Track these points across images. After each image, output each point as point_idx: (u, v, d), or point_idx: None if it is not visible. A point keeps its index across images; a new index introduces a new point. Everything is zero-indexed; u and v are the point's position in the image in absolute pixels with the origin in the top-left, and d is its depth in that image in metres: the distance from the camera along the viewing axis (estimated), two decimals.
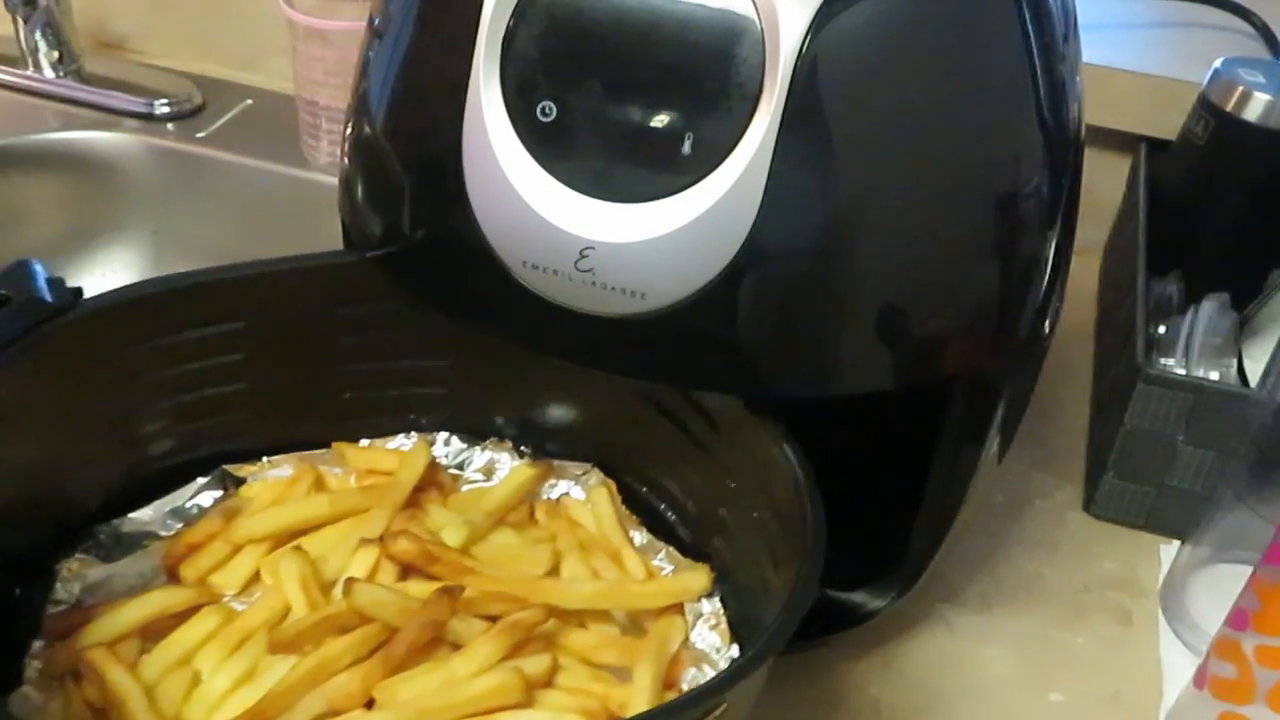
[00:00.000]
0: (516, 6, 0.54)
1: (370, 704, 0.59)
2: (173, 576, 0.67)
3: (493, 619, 0.63)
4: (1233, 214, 0.88)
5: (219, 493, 0.70)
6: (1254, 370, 0.82)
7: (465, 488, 0.74)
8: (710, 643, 0.64)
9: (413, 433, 0.74)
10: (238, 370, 0.68)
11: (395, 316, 0.69)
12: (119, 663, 0.60)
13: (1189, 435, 0.76)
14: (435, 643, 0.62)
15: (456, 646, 0.61)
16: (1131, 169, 0.97)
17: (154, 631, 0.64)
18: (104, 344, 0.62)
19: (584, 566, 0.67)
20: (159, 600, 0.64)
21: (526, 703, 0.60)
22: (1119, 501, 0.81)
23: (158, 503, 0.70)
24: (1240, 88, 0.84)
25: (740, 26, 0.54)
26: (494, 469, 0.74)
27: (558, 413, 0.74)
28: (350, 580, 0.62)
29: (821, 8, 0.52)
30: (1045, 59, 0.57)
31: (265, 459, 0.72)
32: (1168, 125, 0.92)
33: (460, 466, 0.75)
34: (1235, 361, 0.82)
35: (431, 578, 0.65)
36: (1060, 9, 0.58)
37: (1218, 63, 0.86)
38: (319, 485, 0.71)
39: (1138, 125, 0.96)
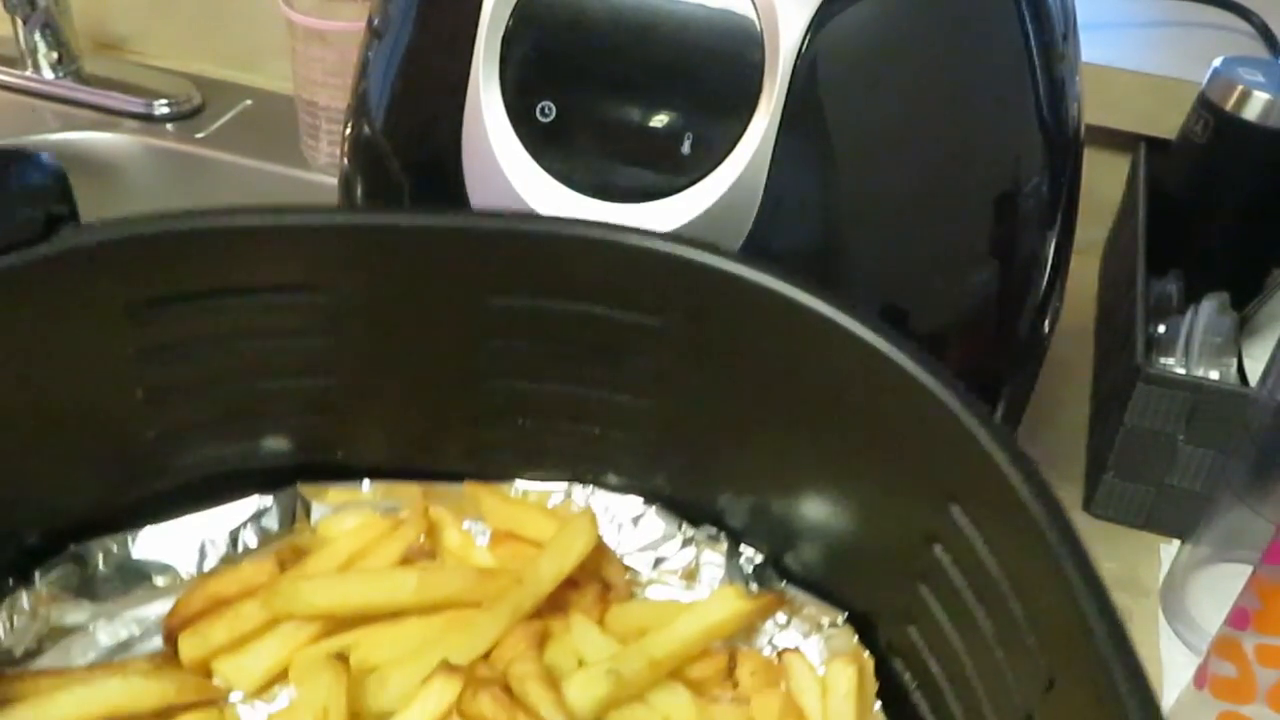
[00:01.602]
0: (516, 6, 0.54)
1: None
2: (173, 643, 0.48)
3: None
4: (1233, 213, 0.88)
5: (279, 526, 0.50)
6: (1254, 370, 0.82)
7: (649, 590, 0.51)
8: None
9: (591, 486, 0.52)
10: (326, 358, 0.48)
11: (577, 322, 0.48)
12: None
13: (1189, 435, 0.76)
14: None
15: None
16: (1131, 168, 0.97)
17: None
18: (99, 293, 0.44)
19: None
20: (118, 694, 0.44)
21: None
22: (1119, 501, 0.80)
23: (189, 518, 0.50)
24: (1240, 87, 0.84)
25: (740, 26, 0.54)
26: (697, 574, 0.51)
27: (817, 511, 0.49)
28: None
29: (821, 8, 0.52)
30: (1045, 59, 0.57)
31: (366, 481, 0.52)
32: (1167, 125, 0.92)
33: (650, 558, 0.52)
34: (1235, 361, 0.82)
35: None
36: (1060, 8, 0.58)
37: (1217, 62, 0.86)
38: (433, 538, 0.51)
39: (1137, 125, 0.95)
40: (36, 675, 0.46)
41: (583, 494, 0.52)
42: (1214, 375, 0.80)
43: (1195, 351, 0.81)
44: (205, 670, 0.48)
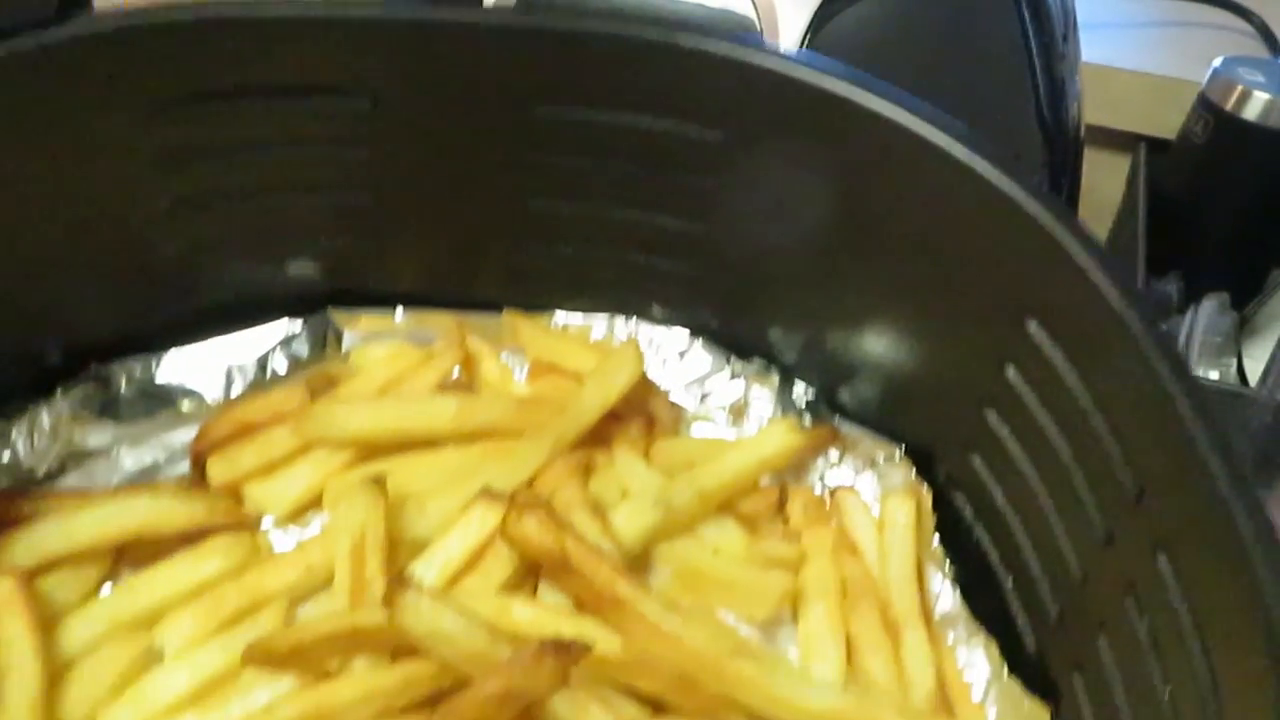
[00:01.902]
0: (517, 6, 0.55)
1: None
2: (200, 468, 0.47)
3: (650, 706, 0.39)
4: (1233, 213, 0.89)
5: (310, 351, 0.48)
6: (1254, 370, 0.82)
7: (694, 426, 0.49)
8: None
9: (634, 319, 0.50)
10: (360, 172, 0.45)
11: (628, 136, 0.44)
12: (23, 613, 0.40)
13: None
14: None
15: None
16: (1131, 169, 0.97)
17: (141, 548, 0.44)
18: (117, 86, 0.41)
19: (833, 632, 0.42)
20: (147, 512, 0.43)
21: None
22: None
23: (215, 341, 0.48)
24: (1240, 87, 0.84)
25: (740, 26, 0.54)
26: (745, 411, 0.49)
27: (877, 341, 0.46)
28: (402, 584, 0.38)
29: (820, 8, 0.53)
30: (1045, 58, 0.57)
31: (399, 310, 0.50)
32: (1168, 124, 0.92)
33: (696, 393, 0.49)
34: (1235, 361, 0.82)
35: (588, 600, 0.40)
36: (1060, 8, 0.59)
37: (1217, 62, 0.87)
38: (469, 370, 0.49)
39: (1138, 125, 0.96)
40: (61, 494, 0.45)
41: (625, 327, 0.50)
42: (1214, 375, 0.80)
43: (1195, 351, 0.82)
44: (234, 496, 0.47)
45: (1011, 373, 0.42)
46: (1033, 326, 0.40)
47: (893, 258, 0.44)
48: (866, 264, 0.45)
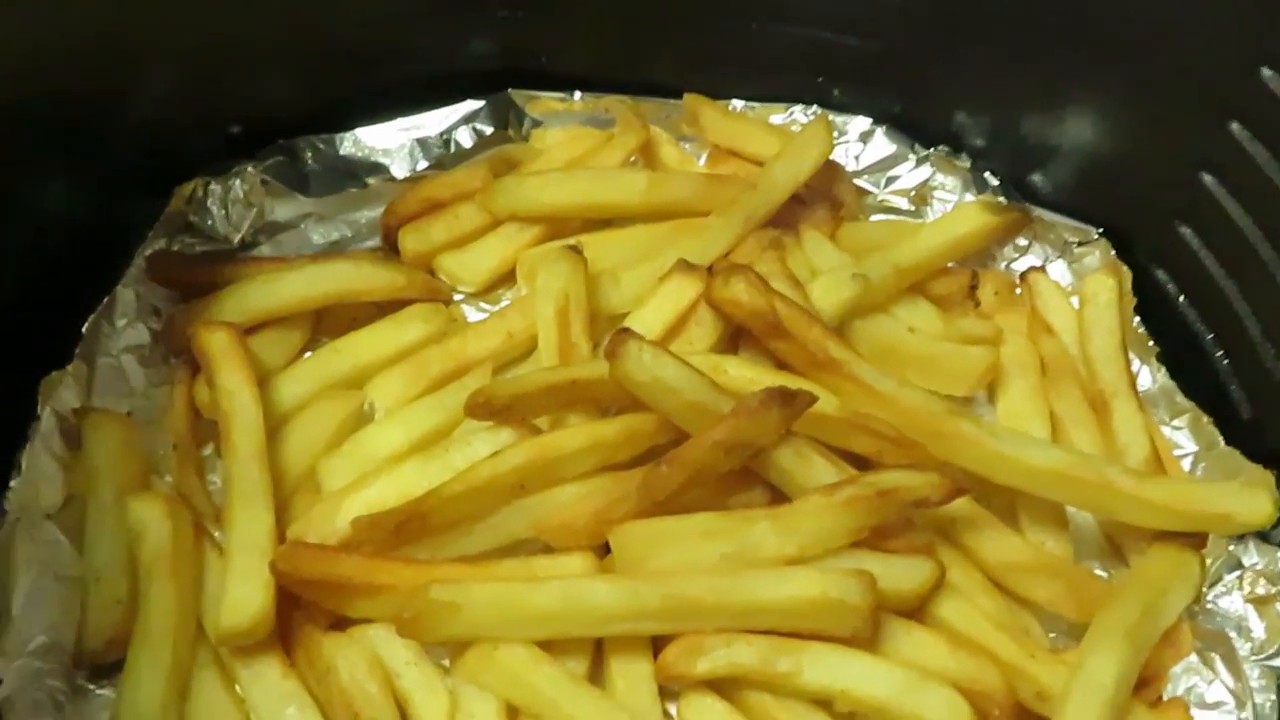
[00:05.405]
0: None
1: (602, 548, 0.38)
2: (391, 242, 0.47)
3: (857, 464, 0.39)
4: None
5: (493, 129, 0.48)
6: None
7: (875, 217, 0.48)
8: (1239, 619, 0.38)
9: (815, 106, 0.48)
10: None
11: None
12: (242, 365, 0.41)
13: None
14: (741, 480, 0.38)
15: (777, 497, 0.38)
16: None
17: (336, 320, 0.45)
18: None
19: (1036, 409, 0.42)
20: (349, 276, 0.45)
21: (861, 640, 0.36)
22: None
23: (400, 122, 0.49)
24: None
25: None
26: (929, 196, 0.48)
27: (1075, 120, 0.45)
28: (624, 335, 0.37)
29: None
30: None
31: (576, 94, 0.49)
32: None
33: (878, 179, 0.48)
34: None
35: (779, 363, 0.40)
36: None
37: None
38: (647, 157, 0.48)
39: None
40: (260, 260, 0.47)
41: (805, 115, 0.50)
42: None
43: None
44: (426, 269, 0.48)
45: (1236, 128, 0.41)
46: (1267, 73, 0.39)
47: (1103, 9, 0.42)
48: (1073, 20, 0.43)
